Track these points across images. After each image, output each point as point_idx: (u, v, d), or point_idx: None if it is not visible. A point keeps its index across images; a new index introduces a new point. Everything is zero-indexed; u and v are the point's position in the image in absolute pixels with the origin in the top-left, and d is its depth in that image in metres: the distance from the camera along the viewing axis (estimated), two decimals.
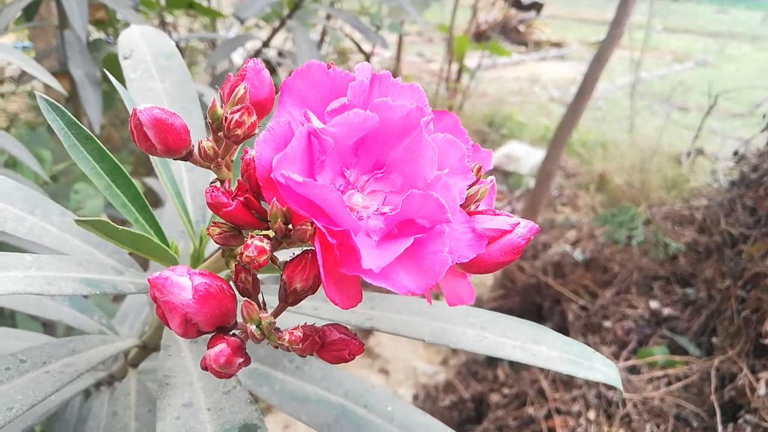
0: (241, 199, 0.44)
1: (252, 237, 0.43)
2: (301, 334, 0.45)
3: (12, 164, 1.92)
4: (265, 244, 0.43)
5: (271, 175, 0.41)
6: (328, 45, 4.18)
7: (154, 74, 0.82)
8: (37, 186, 1.51)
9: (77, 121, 0.58)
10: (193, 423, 0.58)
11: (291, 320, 0.60)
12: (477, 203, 0.53)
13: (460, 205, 0.48)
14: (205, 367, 0.43)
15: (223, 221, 0.46)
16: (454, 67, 5.25)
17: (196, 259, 0.71)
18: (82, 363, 0.72)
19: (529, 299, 3.07)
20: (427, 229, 0.45)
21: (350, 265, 0.42)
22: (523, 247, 0.50)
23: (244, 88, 0.47)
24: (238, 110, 0.46)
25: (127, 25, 1.57)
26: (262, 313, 0.45)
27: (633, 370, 2.39)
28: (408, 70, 7.91)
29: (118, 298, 1.55)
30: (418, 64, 9.39)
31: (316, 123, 0.43)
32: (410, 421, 0.76)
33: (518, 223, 0.49)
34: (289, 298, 0.46)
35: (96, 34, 2.76)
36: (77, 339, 0.76)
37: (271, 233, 0.45)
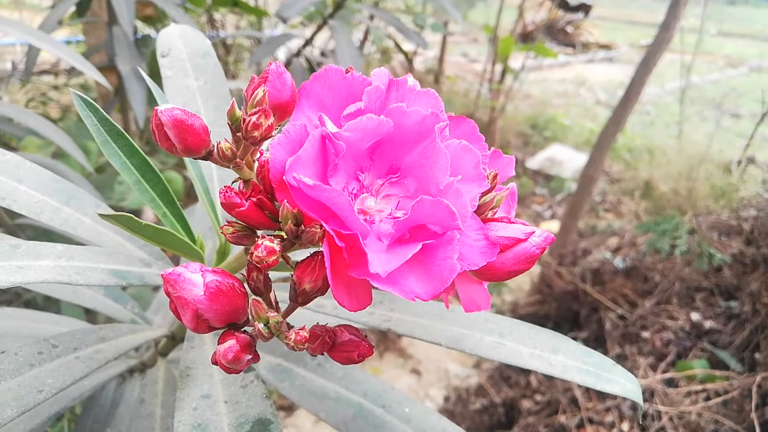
0: (254, 199, 0.45)
1: (263, 237, 0.44)
2: (307, 334, 0.45)
3: (60, 155, 2.00)
4: (275, 245, 0.43)
5: (284, 178, 0.42)
6: (371, 44, 4.20)
7: (189, 72, 0.84)
8: (82, 177, 1.56)
9: (109, 118, 0.60)
10: (210, 414, 0.59)
11: (311, 319, 0.61)
12: (493, 210, 0.52)
13: (475, 212, 0.48)
14: (215, 362, 0.44)
15: (237, 221, 0.48)
16: (498, 67, 5.19)
17: (222, 255, 0.73)
18: (110, 350, 0.74)
19: (566, 306, 3.02)
20: (439, 235, 0.45)
21: (358, 268, 0.42)
22: (538, 257, 0.49)
23: (263, 90, 0.48)
24: (255, 112, 0.47)
25: (174, 21, 1.61)
26: (271, 311, 0.46)
27: (670, 382, 2.33)
28: (451, 70, 7.87)
29: (157, 287, 1.60)
30: (462, 65, 9.34)
31: (330, 127, 0.44)
32: (427, 424, 0.76)
33: (533, 232, 0.49)
34: (299, 298, 0.46)
35: (145, 30, 2.84)
36: (107, 327, 0.78)
37: (283, 234, 0.46)
